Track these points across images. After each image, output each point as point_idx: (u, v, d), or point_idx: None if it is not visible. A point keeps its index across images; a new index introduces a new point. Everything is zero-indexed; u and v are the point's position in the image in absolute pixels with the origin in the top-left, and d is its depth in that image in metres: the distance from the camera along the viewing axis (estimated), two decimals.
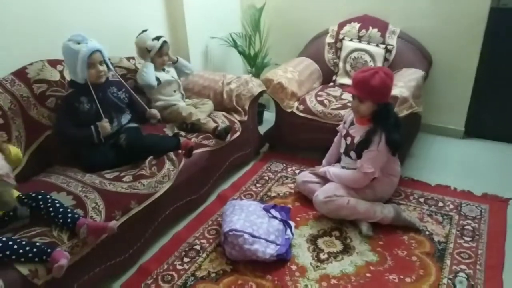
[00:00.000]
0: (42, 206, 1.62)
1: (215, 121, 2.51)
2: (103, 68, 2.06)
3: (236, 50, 3.35)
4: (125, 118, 2.22)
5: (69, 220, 1.59)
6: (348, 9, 3.16)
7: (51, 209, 1.61)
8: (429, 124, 3.15)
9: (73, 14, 2.33)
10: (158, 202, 1.98)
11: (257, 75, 3.38)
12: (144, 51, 2.48)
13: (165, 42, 2.49)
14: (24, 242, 1.46)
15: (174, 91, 2.61)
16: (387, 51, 2.94)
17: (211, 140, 2.39)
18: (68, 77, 2.14)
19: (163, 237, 2.14)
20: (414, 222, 2.10)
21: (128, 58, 2.61)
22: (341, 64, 3.07)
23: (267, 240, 1.91)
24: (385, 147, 2.04)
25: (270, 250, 1.88)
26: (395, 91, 2.36)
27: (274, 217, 2.09)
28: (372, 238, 2.04)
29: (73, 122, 2.01)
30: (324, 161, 2.46)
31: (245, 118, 2.70)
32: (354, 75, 2.08)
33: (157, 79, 2.50)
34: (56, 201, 1.64)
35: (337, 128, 2.41)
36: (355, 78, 2.05)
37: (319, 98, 2.78)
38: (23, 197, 1.63)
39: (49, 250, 1.47)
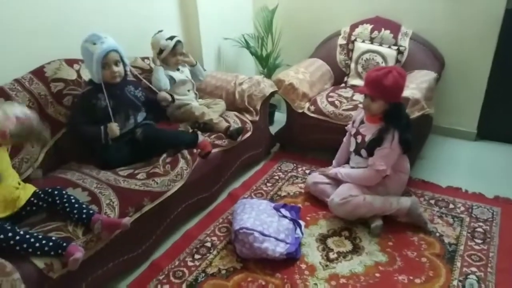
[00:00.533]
0: (58, 201, 1.66)
1: (227, 121, 2.54)
2: (118, 68, 2.09)
3: (249, 51, 3.38)
4: (141, 116, 2.26)
5: (84, 216, 1.64)
6: (360, 11, 3.17)
7: (66, 204, 1.65)
8: (441, 126, 3.13)
9: (90, 14, 2.38)
10: (170, 200, 2.01)
11: (269, 76, 3.41)
12: (157, 51, 2.52)
13: (178, 41, 2.52)
14: (40, 236, 1.51)
15: (188, 90, 2.64)
16: (399, 52, 2.94)
17: (223, 140, 2.42)
18: (86, 76, 2.19)
19: (174, 234, 2.17)
20: (426, 221, 2.11)
21: (143, 58, 2.66)
22: (352, 65, 3.08)
23: (277, 239, 1.93)
24: (398, 146, 2.06)
25: (280, 249, 1.90)
26: (406, 93, 2.36)
27: (284, 216, 2.11)
28: (382, 238, 2.05)
29: (89, 118, 2.05)
30: (334, 162, 2.46)
31: (257, 118, 2.72)
32: (367, 73, 2.10)
33: (172, 78, 2.54)
34: (72, 197, 1.69)
35: (346, 127, 2.42)
36: (368, 76, 2.07)
37: (330, 99, 2.79)
38: (40, 192, 1.68)
39: (64, 244, 1.51)
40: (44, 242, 1.49)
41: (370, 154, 2.11)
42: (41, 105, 2.04)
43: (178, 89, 2.58)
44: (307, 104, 2.81)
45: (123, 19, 2.58)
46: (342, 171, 2.24)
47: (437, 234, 2.07)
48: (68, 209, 1.65)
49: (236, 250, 1.97)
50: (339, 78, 3.18)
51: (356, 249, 1.99)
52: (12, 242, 1.44)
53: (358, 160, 2.23)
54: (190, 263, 1.96)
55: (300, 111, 2.79)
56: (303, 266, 1.91)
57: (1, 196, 1.57)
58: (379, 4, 3.12)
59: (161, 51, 2.50)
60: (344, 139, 2.44)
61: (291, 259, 1.91)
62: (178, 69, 2.61)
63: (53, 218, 1.65)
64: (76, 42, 2.15)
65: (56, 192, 1.68)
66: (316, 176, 2.39)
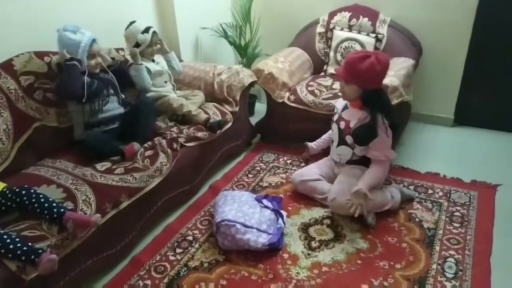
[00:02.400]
0: (26, 202, 1.59)
1: (206, 113, 2.50)
2: (100, 59, 2.15)
3: (227, 41, 3.32)
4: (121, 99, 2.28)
5: (55, 215, 1.58)
6: None
7: (36, 205, 1.59)
8: (419, 112, 3.17)
9: (61, 5, 2.29)
10: (149, 194, 1.98)
11: (248, 65, 3.37)
12: (133, 45, 2.44)
13: (154, 32, 2.46)
14: (17, 239, 1.45)
15: (165, 82, 2.59)
16: (378, 40, 2.94)
17: (203, 132, 2.38)
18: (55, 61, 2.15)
19: (155, 228, 2.14)
20: (411, 194, 2.26)
21: (117, 49, 2.58)
22: (331, 54, 3.07)
23: (259, 230, 1.92)
24: (391, 132, 2.05)
25: (262, 240, 1.89)
26: (385, 80, 2.36)
27: (266, 206, 2.10)
28: (363, 226, 2.06)
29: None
30: (314, 143, 2.53)
31: (236, 109, 2.70)
32: (347, 55, 2.04)
33: (147, 69, 2.47)
34: (41, 195, 1.61)
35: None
36: (346, 58, 2.03)
37: (310, 88, 2.78)
38: (7, 192, 1.61)
39: (39, 251, 1.45)
40: (19, 245, 1.43)
41: (358, 142, 2.07)
42: (11, 100, 1.95)
43: (155, 81, 2.52)
44: (287, 94, 2.80)
45: (96, 8, 2.50)
46: (365, 184, 1.99)
47: (417, 220, 2.10)
48: (38, 210, 1.58)
49: (218, 243, 1.95)
50: (318, 66, 3.17)
51: (338, 237, 2.00)
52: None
53: (342, 151, 2.16)
54: (171, 258, 1.94)
55: (280, 100, 2.78)
56: (286, 256, 1.91)
57: None
58: None
59: (138, 45, 2.43)
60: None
61: (273, 250, 1.91)
62: (153, 60, 2.55)
63: (26, 216, 1.59)
64: (47, 33, 2.08)
65: (23, 192, 1.60)
66: (302, 173, 2.30)
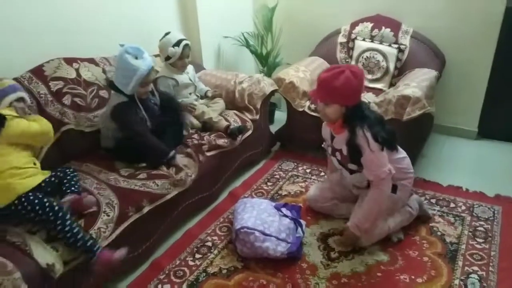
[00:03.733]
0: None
1: (227, 120, 2.53)
2: (151, 86, 2.13)
3: (248, 50, 3.36)
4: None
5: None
6: (361, 9, 3.16)
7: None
8: (442, 124, 3.13)
9: (89, 13, 2.37)
10: (170, 201, 2.00)
11: (269, 74, 3.40)
12: (164, 57, 2.50)
13: (186, 46, 2.47)
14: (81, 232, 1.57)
15: (190, 93, 2.62)
16: (400, 50, 2.93)
17: (224, 140, 2.40)
18: (88, 77, 2.21)
19: (175, 233, 2.17)
20: (428, 212, 2.17)
21: None
22: (353, 64, 3.07)
23: (278, 238, 1.92)
24: (376, 144, 1.82)
25: (281, 248, 1.89)
26: (407, 91, 2.36)
27: (285, 215, 2.10)
28: (383, 238, 2.03)
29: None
30: (328, 171, 2.37)
31: (257, 117, 2.72)
32: (319, 75, 1.85)
33: (175, 81, 2.51)
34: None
35: (322, 145, 2.18)
36: (318, 78, 1.84)
37: None
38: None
39: (96, 248, 1.59)
40: (80, 236, 1.55)
41: (359, 165, 1.91)
42: (41, 104, 2.02)
43: (181, 92, 2.56)
44: (308, 103, 2.80)
45: (123, 17, 2.57)
46: (355, 221, 1.91)
47: (439, 233, 2.06)
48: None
49: (237, 250, 1.96)
50: None
51: (358, 249, 1.98)
52: (55, 219, 1.53)
53: (357, 179, 2.01)
54: (191, 263, 1.95)
55: (301, 109, 2.78)
56: (304, 265, 1.90)
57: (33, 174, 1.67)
58: (380, 2, 3.11)
59: (168, 57, 2.48)
60: (328, 158, 2.23)
61: (292, 259, 1.91)
62: (183, 71, 2.58)
63: None
64: (75, 41, 2.15)
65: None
66: (317, 199, 2.23)
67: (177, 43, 2.44)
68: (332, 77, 1.76)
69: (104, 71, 2.30)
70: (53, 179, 1.75)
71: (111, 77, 2.09)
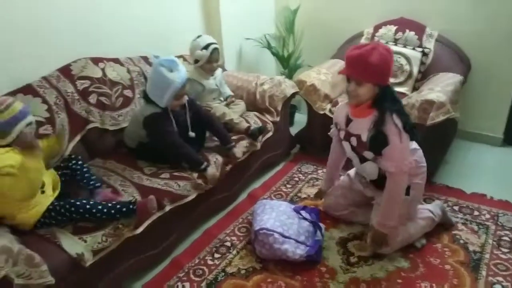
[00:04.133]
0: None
1: (247, 122, 2.54)
2: (185, 99, 2.11)
3: (270, 51, 3.37)
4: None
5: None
6: (384, 12, 3.12)
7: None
8: (466, 130, 3.06)
9: (113, 13, 2.41)
10: (190, 201, 2.02)
11: (290, 76, 3.40)
12: (193, 60, 2.52)
13: (214, 49, 2.48)
14: (110, 204, 1.66)
15: (214, 98, 2.64)
16: (424, 54, 2.88)
17: (246, 141, 2.41)
18: (114, 76, 2.26)
19: (194, 232, 2.19)
20: (452, 219, 2.12)
21: None
22: None
23: (297, 241, 1.92)
24: (406, 135, 1.75)
25: (300, 251, 1.89)
26: (431, 96, 2.32)
27: (304, 218, 2.10)
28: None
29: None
30: (324, 183, 2.26)
31: (277, 119, 2.72)
32: (347, 53, 1.74)
33: (202, 86, 2.53)
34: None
35: (329, 133, 2.12)
36: (349, 56, 1.72)
37: None
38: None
39: (131, 206, 1.69)
40: (112, 209, 1.65)
41: (377, 153, 1.81)
42: (68, 102, 2.07)
43: (206, 97, 2.58)
44: (329, 106, 2.79)
45: (146, 18, 2.61)
46: (379, 220, 1.85)
47: (461, 242, 2.02)
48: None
49: (255, 251, 1.97)
50: None
51: (378, 254, 1.96)
52: (87, 207, 1.61)
53: (368, 168, 1.90)
54: (210, 262, 1.97)
55: (322, 112, 2.77)
56: (323, 269, 1.89)
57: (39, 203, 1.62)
58: (403, 4, 3.07)
59: (197, 60, 2.50)
60: (332, 148, 2.18)
61: (311, 262, 1.90)
62: (212, 75, 2.59)
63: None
64: (100, 41, 2.19)
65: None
66: (334, 208, 2.21)
67: (206, 47, 2.46)
68: (367, 53, 1.65)
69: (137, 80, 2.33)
70: (63, 178, 1.80)
71: (146, 88, 2.08)
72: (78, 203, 1.61)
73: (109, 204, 1.66)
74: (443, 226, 2.10)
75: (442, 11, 2.95)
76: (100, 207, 1.63)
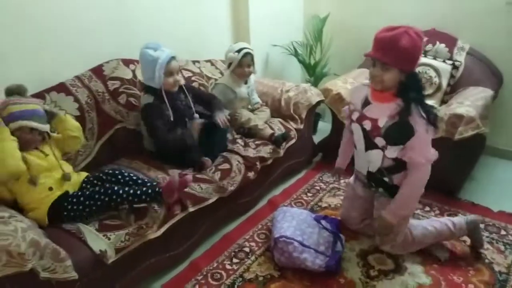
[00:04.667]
0: (120, 177, 1.83)
1: (271, 128, 2.54)
2: (179, 77, 2.16)
3: (296, 59, 3.37)
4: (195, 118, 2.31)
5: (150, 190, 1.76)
6: (416, 22, 2.98)
7: (130, 182, 1.83)
8: (494, 146, 2.98)
9: (146, 18, 2.47)
10: (211, 204, 2.03)
11: (315, 84, 3.39)
12: (227, 64, 2.57)
13: (246, 54, 2.51)
14: (131, 191, 1.71)
15: (243, 106, 2.66)
16: (454, 67, 2.82)
17: (269, 147, 2.41)
18: (140, 77, 2.28)
19: (214, 235, 2.20)
20: (482, 239, 1.99)
21: (194, 62, 2.73)
22: None
23: (316, 251, 1.90)
24: (431, 127, 1.68)
25: (319, 261, 1.87)
26: (460, 110, 2.27)
27: (324, 228, 2.08)
28: (425, 259, 1.96)
29: (168, 126, 2.10)
30: (340, 159, 2.20)
31: (301, 126, 2.71)
32: (377, 34, 1.66)
33: (234, 93, 2.56)
34: (133, 174, 1.88)
35: (341, 116, 2.07)
36: (378, 37, 1.64)
37: None
38: (91, 178, 1.84)
39: (157, 189, 1.73)
40: (139, 192, 1.71)
41: (390, 143, 1.74)
42: (98, 102, 2.13)
43: (236, 105, 2.60)
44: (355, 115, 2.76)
45: (177, 22, 2.66)
46: (392, 207, 1.79)
47: (486, 261, 1.96)
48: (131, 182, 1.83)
49: (274, 258, 1.96)
50: None
51: (398, 269, 1.92)
52: (116, 190, 1.68)
53: (372, 156, 1.82)
54: (228, 266, 1.98)
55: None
56: (342, 280, 1.87)
57: (35, 198, 1.64)
58: (436, 16, 3.01)
59: (230, 65, 2.54)
60: (344, 134, 2.10)
61: (330, 273, 1.88)
62: (245, 82, 2.63)
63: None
64: (133, 43, 2.24)
65: (117, 172, 1.86)
66: (350, 222, 2.16)
67: (239, 50, 2.50)
68: (397, 36, 1.58)
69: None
70: (94, 180, 1.84)
71: (144, 80, 2.16)
72: (108, 186, 1.70)
73: (137, 188, 1.72)
74: (471, 245, 2.03)
75: (475, 24, 2.89)
76: (130, 190, 1.70)
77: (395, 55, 1.60)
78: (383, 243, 1.98)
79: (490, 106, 2.53)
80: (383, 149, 1.78)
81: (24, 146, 1.63)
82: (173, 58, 2.09)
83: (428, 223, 1.98)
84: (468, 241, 2.04)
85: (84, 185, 1.81)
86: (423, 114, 1.65)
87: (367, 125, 1.77)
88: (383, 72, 1.65)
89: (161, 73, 2.04)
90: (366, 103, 1.81)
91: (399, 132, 1.70)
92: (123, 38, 2.37)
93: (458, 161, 2.39)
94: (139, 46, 2.41)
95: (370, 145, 1.81)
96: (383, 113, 1.72)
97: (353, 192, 2.12)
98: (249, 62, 2.55)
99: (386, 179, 1.87)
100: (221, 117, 2.25)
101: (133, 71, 2.30)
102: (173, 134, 2.10)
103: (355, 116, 1.85)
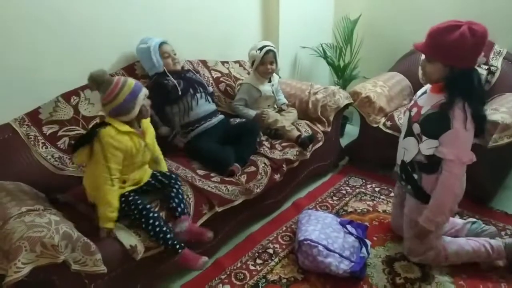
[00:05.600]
0: (170, 186, 1.86)
1: (298, 130, 2.53)
2: (176, 56, 2.31)
3: (325, 61, 3.35)
4: (211, 98, 2.40)
5: (178, 209, 1.78)
6: None
7: (172, 194, 1.83)
8: None
9: (176, 21, 2.50)
10: (237, 205, 2.05)
11: (343, 87, 3.36)
12: (251, 62, 2.59)
13: (269, 51, 2.51)
14: (164, 228, 1.67)
15: (269, 105, 2.67)
16: (490, 72, 2.73)
17: (296, 150, 2.40)
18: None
19: (238, 235, 2.21)
20: None
21: (223, 63, 2.75)
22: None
23: (341, 255, 1.88)
24: (472, 124, 1.62)
25: (343, 266, 1.85)
26: (496, 116, 2.19)
27: (350, 233, 2.05)
28: (453, 269, 1.90)
29: (164, 100, 2.22)
30: None
31: (329, 129, 2.69)
32: (432, 26, 1.65)
33: (258, 91, 2.58)
34: (180, 190, 1.87)
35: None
36: (430, 29, 1.64)
37: None
38: (157, 174, 1.89)
39: (178, 247, 1.69)
40: (168, 236, 1.67)
41: (426, 133, 1.72)
42: None
43: (261, 103, 2.62)
44: (383, 119, 2.72)
45: (206, 23, 2.69)
46: (426, 213, 1.74)
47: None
48: (172, 194, 1.83)
49: (298, 261, 1.96)
50: None
51: (426, 278, 1.88)
52: (153, 227, 1.65)
53: (407, 144, 1.81)
54: (251, 267, 1.98)
55: (375, 125, 2.71)
56: (366, 287, 1.84)
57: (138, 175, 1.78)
58: (471, 18, 2.89)
59: (253, 62, 2.57)
60: None
61: (354, 278, 1.86)
62: (269, 80, 2.64)
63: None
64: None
65: (174, 176, 1.90)
66: (398, 229, 2.10)
67: (261, 48, 2.51)
68: (445, 30, 1.57)
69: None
70: (153, 181, 1.87)
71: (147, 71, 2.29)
72: (143, 207, 1.68)
73: (165, 230, 1.67)
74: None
75: None
76: (157, 227, 1.65)
77: (436, 48, 1.61)
78: (411, 254, 1.94)
79: None
80: (418, 138, 1.75)
81: (146, 115, 1.74)
82: (163, 42, 2.26)
83: (466, 242, 1.91)
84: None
85: (150, 179, 1.87)
86: (467, 110, 1.60)
87: (414, 111, 1.80)
88: (426, 63, 1.69)
89: (157, 56, 2.21)
90: (424, 93, 1.83)
91: (435, 123, 1.67)
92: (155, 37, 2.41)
93: (492, 169, 2.31)
94: (173, 46, 2.45)
95: (409, 131, 1.81)
96: (430, 102, 1.72)
97: (397, 200, 2.09)
98: (271, 59, 2.55)
99: (415, 175, 1.83)
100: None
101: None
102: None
103: (409, 104, 1.89)
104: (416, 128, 1.74)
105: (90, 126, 1.88)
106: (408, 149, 1.82)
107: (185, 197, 1.86)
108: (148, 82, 2.26)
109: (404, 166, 1.87)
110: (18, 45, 1.87)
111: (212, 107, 2.36)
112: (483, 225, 2.05)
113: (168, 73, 2.23)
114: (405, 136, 1.85)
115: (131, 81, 1.67)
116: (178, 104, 2.25)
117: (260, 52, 2.51)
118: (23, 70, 1.90)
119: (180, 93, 2.21)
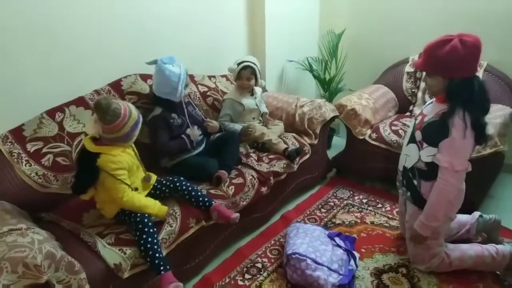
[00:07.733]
0: (179, 188, 1.92)
1: (285, 143, 2.54)
2: (190, 88, 2.30)
3: (311, 74, 3.39)
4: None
5: (202, 204, 1.91)
6: (432, 39, 3.05)
7: (186, 192, 1.92)
8: None
9: (163, 33, 2.52)
10: None
11: (330, 99, 3.39)
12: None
13: (245, 67, 2.53)
14: (160, 255, 1.67)
15: (253, 118, 2.68)
16: None
17: (283, 162, 2.42)
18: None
19: (226, 250, 2.20)
20: None
21: (210, 77, 2.77)
22: (419, 95, 2.98)
23: (329, 269, 1.88)
24: (472, 133, 1.65)
25: (332, 279, 1.85)
26: None
27: (338, 245, 2.06)
28: (441, 280, 1.92)
29: (169, 136, 2.18)
30: None
31: (315, 141, 2.71)
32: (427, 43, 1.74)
33: (241, 105, 2.59)
34: (192, 186, 1.95)
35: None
36: (425, 46, 1.73)
37: (393, 128, 2.71)
38: (162, 180, 1.94)
39: (161, 269, 1.66)
40: (157, 255, 1.66)
41: (426, 140, 1.77)
42: None
43: (245, 116, 2.64)
44: (369, 131, 2.75)
45: (192, 37, 2.70)
46: (421, 218, 1.80)
47: (506, 283, 1.90)
48: (187, 197, 1.92)
49: (286, 275, 1.95)
50: (404, 106, 3.08)
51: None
52: (145, 242, 1.65)
53: (410, 150, 1.86)
54: (240, 282, 1.97)
55: (361, 137, 2.74)
56: None
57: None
58: (453, 33, 2.98)
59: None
60: None
61: None
62: (252, 95, 2.65)
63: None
64: (151, 58, 2.29)
65: (176, 181, 1.94)
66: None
67: (239, 63, 2.54)
68: (437, 46, 1.66)
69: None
70: (159, 186, 1.93)
71: (154, 91, 2.22)
72: (142, 224, 1.68)
73: (155, 248, 1.66)
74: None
75: (493, 40, 2.84)
76: (148, 244, 1.65)
77: (432, 63, 1.70)
78: (417, 262, 1.95)
79: (508, 124, 2.49)
80: (419, 145, 1.80)
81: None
82: (186, 71, 2.21)
83: (469, 247, 1.93)
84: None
85: (156, 184, 1.93)
86: (466, 119, 1.63)
87: (418, 119, 1.86)
88: (427, 77, 1.78)
89: (183, 86, 2.15)
90: (430, 103, 1.90)
91: (435, 130, 1.72)
92: (141, 53, 2.41)
93: (476, 179, 2.32)
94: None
95: (412, 138, 1.87)
96: (433, 111, 1.78)
97: (402, 208, 2.11)
98: (248, 75, 2.55)
99: (415, 181, 1.85)
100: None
101: (150, 86, 2.34)
102: (174, 142, 2.18)
103: (416, 113, 1.95)
104: (418, 135, 1.80)
105: (76, 155, 1.90)
106: (410, 155, 1.87)
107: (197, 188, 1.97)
108: (152, 102, 2.25)
109: (406, 172, 1.91)
110: (1, 60, 1.85)
111: (201, 136, 2.35)
112: (488, 216, 2.09)
113: (174, 107, 2.20)
114: (408, 143, 1.90)
115: (135, 112, 1.73)
116: (176, 138, 2.21)
117: (237, 67, 2.53)
118: (6, 86, 1.88)
119: (182, 130, 2.23)
